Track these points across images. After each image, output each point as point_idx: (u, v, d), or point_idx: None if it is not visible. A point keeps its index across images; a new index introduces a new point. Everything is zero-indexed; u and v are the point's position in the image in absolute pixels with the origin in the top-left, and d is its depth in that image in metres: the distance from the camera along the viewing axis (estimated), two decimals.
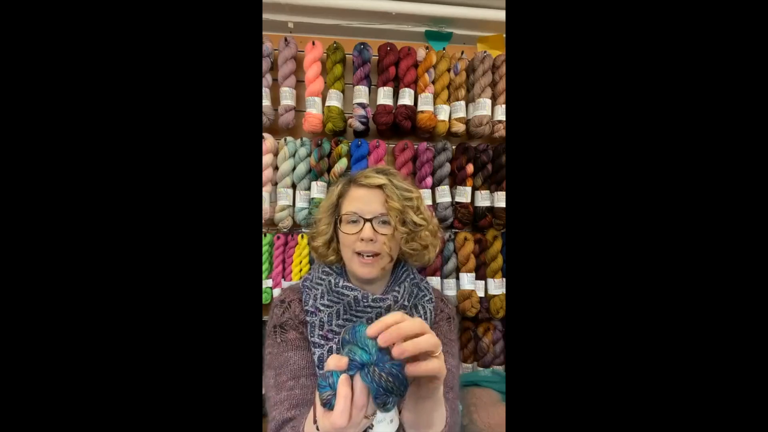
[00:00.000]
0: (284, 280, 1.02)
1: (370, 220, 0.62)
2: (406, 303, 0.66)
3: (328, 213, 0.68)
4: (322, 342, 0.62)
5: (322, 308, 0.64)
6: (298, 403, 0.56)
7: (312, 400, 0.54)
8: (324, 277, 0.67)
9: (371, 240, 0.61)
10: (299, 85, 1.03)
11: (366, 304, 0.62)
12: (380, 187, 0.64)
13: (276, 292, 1.01)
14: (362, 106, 1.02)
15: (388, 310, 0.62)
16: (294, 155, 1.02)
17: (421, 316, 0.66)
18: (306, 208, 1.01)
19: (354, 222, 0.63)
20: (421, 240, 0.66)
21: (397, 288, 0.65)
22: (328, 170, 1.02)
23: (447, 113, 1.05)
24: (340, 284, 0.64)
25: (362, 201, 0.64)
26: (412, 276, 0.70)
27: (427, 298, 0.69)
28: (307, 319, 0.64)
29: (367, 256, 0.63)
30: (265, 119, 1.00)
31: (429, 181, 1.04)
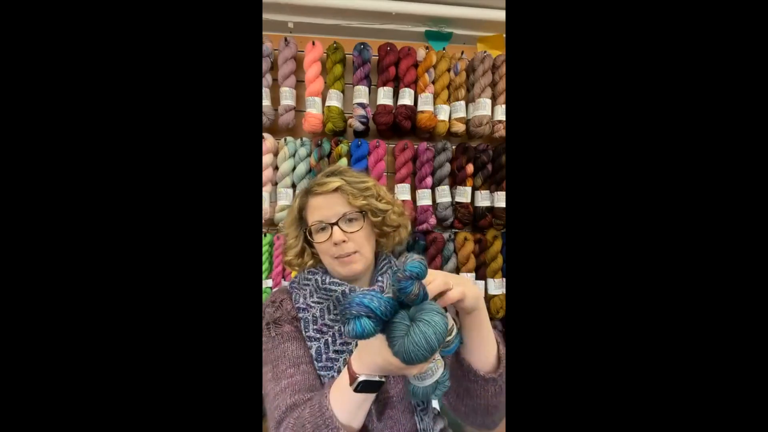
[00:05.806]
0: (284, 280, 1.02)
1: (335, 223, 0.64)
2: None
3: (293, 227, 0.70)
4: (318, 336, 0.63)
5: (312, 305, 0.66)
6: (301, 388, 0.56)
7: (315, 386, 0.57)
8: (310, 276, 0.69)
9: (344, 241, 0.63)
10: (299, 85, 1.03)
11: None
12: (336, 190, 0.66)
13: None
14: (362, 106, 1.01)
15: None
16: (294, 155, 1.02)
17: None
18: None
19: (322, 230, 0.65)
20: (391, 222, 0.69)
21: (380, 278, 0.67)
22: None
23: (447, 113, 1.05)
24: (327, 281, 0.65)
25: (323, 208, 0.66)
26: (395, 268, 0.71)
27: None
28: (300, 315, 0.66)
29: (345, 256, 0.64)
30: (265, 119, 1.00)
31: (429, 181, 1.04)
